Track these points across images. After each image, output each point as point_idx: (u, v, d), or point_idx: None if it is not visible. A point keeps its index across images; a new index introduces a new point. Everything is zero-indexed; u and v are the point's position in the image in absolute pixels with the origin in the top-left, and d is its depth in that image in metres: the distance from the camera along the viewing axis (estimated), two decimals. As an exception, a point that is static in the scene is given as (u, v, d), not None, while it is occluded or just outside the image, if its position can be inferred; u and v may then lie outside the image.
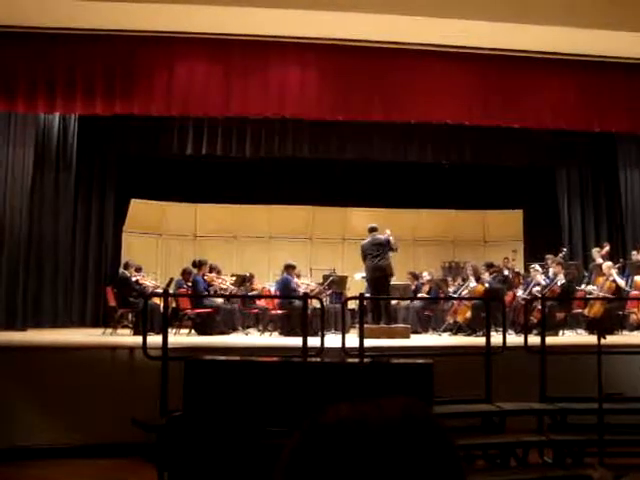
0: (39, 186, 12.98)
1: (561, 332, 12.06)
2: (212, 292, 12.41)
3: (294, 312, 11.48)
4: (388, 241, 11.75)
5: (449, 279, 14.54)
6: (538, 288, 12.54)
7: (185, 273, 12.57)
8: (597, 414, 6.24)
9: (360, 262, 12.54)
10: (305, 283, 13.29)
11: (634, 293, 12.79)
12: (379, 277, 11.70)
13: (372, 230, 11.98)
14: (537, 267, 13.16)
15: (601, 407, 6.14)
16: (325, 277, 13.64)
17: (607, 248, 13.98)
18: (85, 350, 8.87)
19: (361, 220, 15.72)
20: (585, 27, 9.96)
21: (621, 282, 12.56)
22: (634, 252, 13.60)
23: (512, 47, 10.71)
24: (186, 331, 11.83)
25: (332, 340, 8.92)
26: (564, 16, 9.79)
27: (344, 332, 8.13)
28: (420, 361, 6.23)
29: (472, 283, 12.96)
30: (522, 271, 14.59)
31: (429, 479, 0.85)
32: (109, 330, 11.61)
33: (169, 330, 8.12)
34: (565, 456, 6.76)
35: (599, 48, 10.71)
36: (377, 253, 11.71)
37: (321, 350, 7.63)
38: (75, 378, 8.09)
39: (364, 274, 12.64)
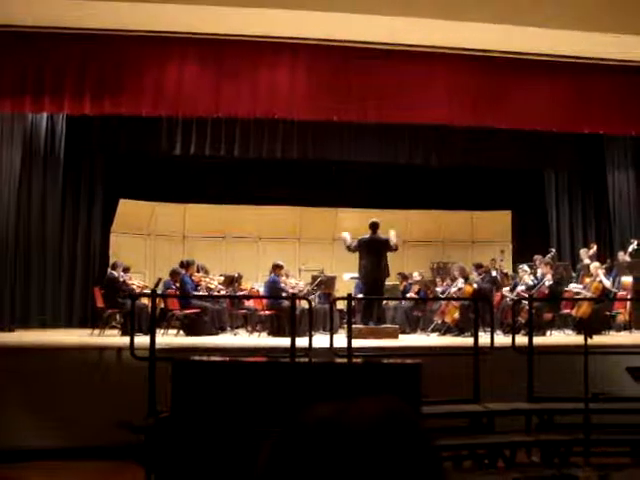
0: (26, 185, 12.94)
1: (549, 332, 12.11)
2: (200, 292, 12.39)
3: (282, 312, 11.47)
4: (387, 241, 11.66)
5: (438, 280, 14.55)
6: (525, 288, 12.57)
7: (173, 273, 12.54)
8: (584, 414, 6.26)
9: (349, 261, 12.51)
10: (294, 283, 13.28)
11: (621, 294, 12.86)
12: (377, 278, 11.62)
13: (374, 226, 11.76)
14: (525, 267, 13.21)
15: (587, 407, 6.17)
16: (314, 277, 13.63)
17: (594, 249, 14.06)
18: (72, 351, 8.84)
19: (350, 221, 15.71)
20: (576, 29, 10.01)
21: (607, 283, 12.62)
22: (621, 252, 13.68)
23: (502, 49, 10.75)
24: (174, 332, 11.81)
25: (321, 340, 8.92)
26: (554, 18, 9.82)
27: (332, 332, 8.14)
28: (408, 361, 6.25)
29: (460, 284, 12.97)
30: (510, 272, 14.63)
31: (409, 479, 0.85)
32: (97, 331, 11.57)
33: (157, 331, 8.10)
34: (552, 456, 6.78)
35: (589, 50, 10.76)
36: (377, 252, 11.60)
37: (309, 350, 7.63)
38: (62, 379, 8.05)
39: (353, 274, 12.60)
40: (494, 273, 13.68)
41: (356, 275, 12.38)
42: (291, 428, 0.88)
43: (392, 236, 11.75)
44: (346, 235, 11.99)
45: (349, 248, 11.84)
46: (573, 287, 13.17)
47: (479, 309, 8.89)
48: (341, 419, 0.87)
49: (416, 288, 14.24)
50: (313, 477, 0.83)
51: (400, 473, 0.84)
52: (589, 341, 6.29)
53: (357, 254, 11.79)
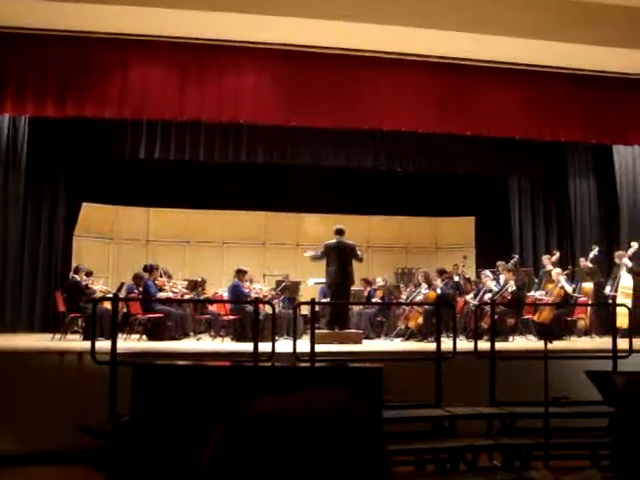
0: (-13, 188, 12.74)
1: (511, 338, 12.22)
2: (163, 297, 12.30)
3: (246, 317, 11.42)
4: (354, 248, 11.70)
5: (401, 285, 14.61)
6: (489, 294, 12.67)
7: (136, 278, 12.44)
8: (544, 418, 6.33)
9: (313, 266, 12.51)
10: (258, 288, 13.24)
11: (582, 299, 13.03)
12: (344, 283, 11.64)
13: (339, 232, 11.78)
14: (488, 273, 13.31)
15: (547, 411, 6.23)
16: (278, 282, 13.61)
17: (557, 255, 14.22)
18: (33, 355, 8.72)
19: (315, 226, 15.74)
20: (539, 38, 10.14)
21: (569, 288, 12.77)
22: (582, 259, 13.86)
23: (466, 56, 10.84)
24: (137, 336, 11.70)
25: (284, 345, 8.91)
26: (518, 27, 9.95)
27: (295, 337, 8.15)
28: (369, 365, 6.25)
29: (424, 289, 13.04)
30: (473, 277, 14.74)
31: (355, 474, 0.84)
32: (58, 335, 11.42)
33: (120, 335, 8.02)
34: (513, 459, 6.84)
35: (552, 59, 10.91)
36: (343, 258, 11.62)
37: (272, 355, 7.62)
38: (22, 384, 7.94)
39: (318, 279, 12.59)
40: (457, 279, 13.78)
41: (321, 280, 12.38)
42: (235, 422, 0.87)
43: (358, 252, 11.85)
44: (310, 253, 12.25)
45: (316, 258, 11.91)
46: (537, 294, 13.31)
47: (442, 315, 8.96)
48: (286, 412, 0.86)
49: (380, 293, 14.26)
50: (258, 472, 0.83)
51: (347, 468, 0.84)
52: (550, 346, 6.36)
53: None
